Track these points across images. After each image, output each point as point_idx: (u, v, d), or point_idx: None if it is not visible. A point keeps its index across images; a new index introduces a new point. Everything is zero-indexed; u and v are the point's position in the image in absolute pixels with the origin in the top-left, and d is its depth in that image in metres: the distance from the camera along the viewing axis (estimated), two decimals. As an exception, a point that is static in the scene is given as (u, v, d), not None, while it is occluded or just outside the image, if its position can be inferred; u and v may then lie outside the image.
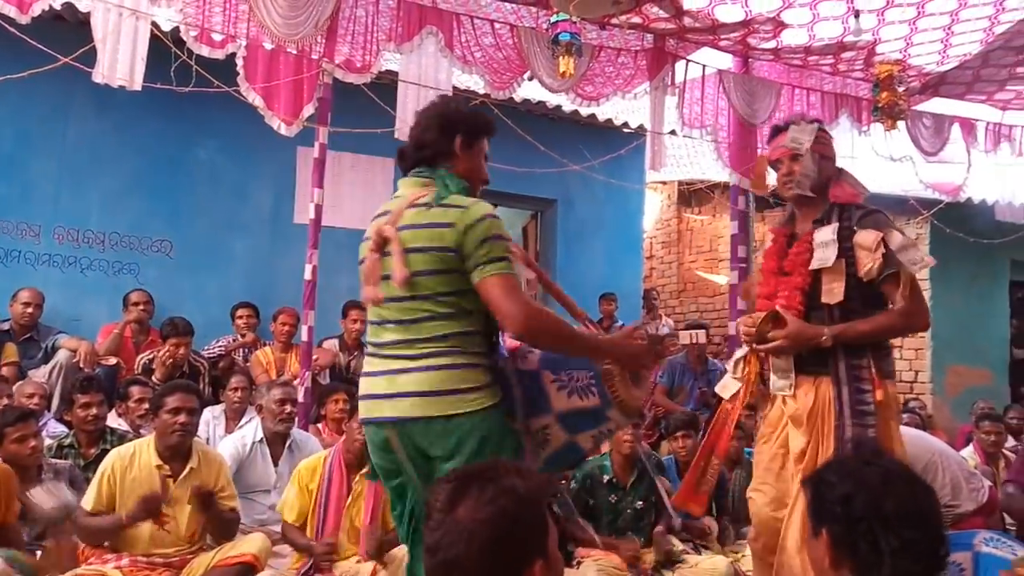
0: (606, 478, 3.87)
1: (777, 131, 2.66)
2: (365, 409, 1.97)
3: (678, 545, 3.88)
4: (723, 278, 7.91)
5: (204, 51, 4.20)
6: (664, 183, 9.17)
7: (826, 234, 2.44)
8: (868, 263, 2.36)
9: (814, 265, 2.45)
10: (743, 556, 3.91)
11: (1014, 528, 3.74)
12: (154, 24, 4.20)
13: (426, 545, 1.26)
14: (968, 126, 6.26)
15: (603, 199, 7.18)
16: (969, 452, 5.05)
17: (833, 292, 2.42)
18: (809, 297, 2.47)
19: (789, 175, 2.54)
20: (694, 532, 4.02)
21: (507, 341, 2.04)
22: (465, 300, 1.88)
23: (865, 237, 2.38)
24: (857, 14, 4.62)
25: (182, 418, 3.05)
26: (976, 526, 3.51)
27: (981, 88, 5.89)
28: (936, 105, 6.11)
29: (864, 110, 5.73)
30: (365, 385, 1.98)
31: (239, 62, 4.26)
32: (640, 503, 3.91)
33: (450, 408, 1.84)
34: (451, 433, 1.83)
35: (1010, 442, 5.24)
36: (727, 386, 2.73)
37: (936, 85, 5.77)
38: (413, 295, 1.87)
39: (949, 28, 4.92)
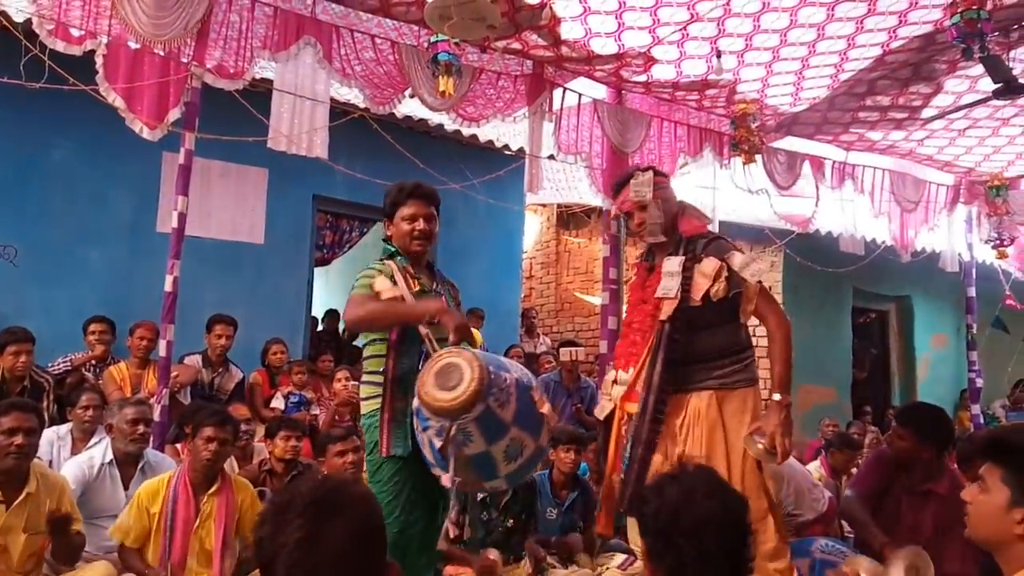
0: (479, 496, 3.89)
1: (619, 187, 2.94)
2: None
3: (546, 558, 3.95)
4: (598, 299, 8.17)
5: (60, 46, 3.94)
6: (544, 206, 9.40)
7: (673, 265, 2.74)
8: (714, 288, 2.66)
9: (659, 294, 2.74)
10: (607, 569, 4.03)
11: (852, 536, 4.05)
12: (2, 14, 3.91)
13: None
14: (817, 163, 6.79)
15: (484, 219, 7.27)
16: (815, 466, 5.45)
17: (665, 311, 2.71)
18: (654, 319, 2.76)
19: (641, 224, 2.84)
20: (563, 549, 4.09)
21: None
22: (373, 335, 2.62)
23: (706, 265, 2.69)
24: (719, 54, 4.94)
25: (18, 440, 2.82)
26: (816, 533, 3.78)
27: (828, 129, 6.44)
28: (789, 143, 6.60)
29: (725, 144, 6.11)
30: None
31: (98, 60, 4.02)
32: (511, 521, 3.96)
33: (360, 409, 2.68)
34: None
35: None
36: (603, 408, 2.95)
37: (789, 124, 6.25)
38: None
39: (800, 73, 5.35)
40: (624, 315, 3.08)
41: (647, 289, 2.84)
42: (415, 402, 2.32)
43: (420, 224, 2.62)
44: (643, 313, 2.81)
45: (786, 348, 2.67)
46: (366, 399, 2.61)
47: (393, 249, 2.67)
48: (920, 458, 3.25)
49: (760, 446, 2.54)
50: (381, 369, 2.57)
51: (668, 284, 2.71)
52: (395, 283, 2.54)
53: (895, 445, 3.35)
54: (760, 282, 2.70)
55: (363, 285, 2.56)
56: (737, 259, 2.67)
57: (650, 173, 2.85)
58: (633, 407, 2.74)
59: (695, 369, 2.71)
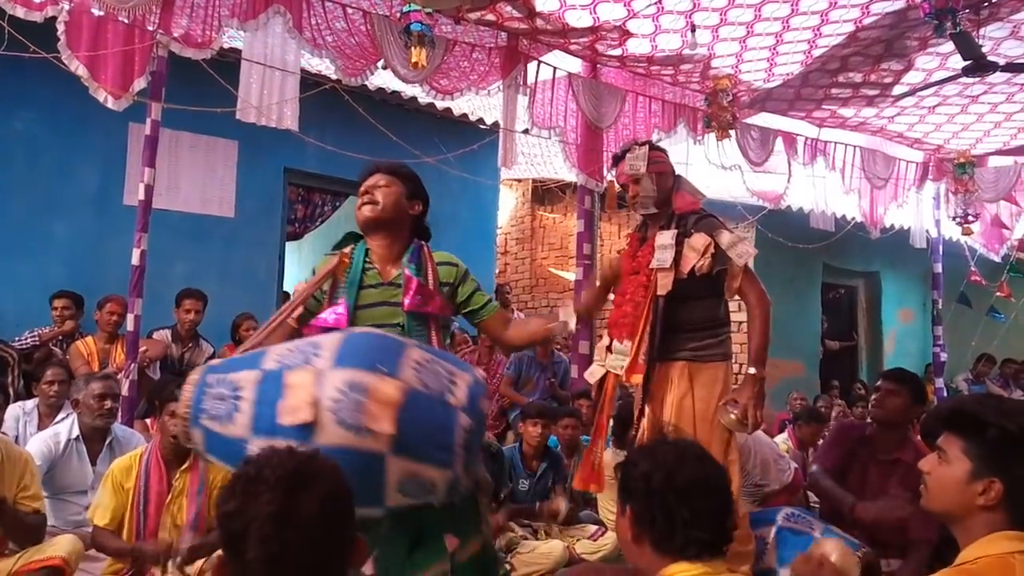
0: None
1: (618, 159, 3.03)
2: None
3: (517, 531, 3.99)
4: (572, 274, 8.19)
5: (20, 12, 3.81)
6: (519, 181, 9.36)
7: (666, 238, 2.82)
8: (699, 262, 2.74)
9: (653, 265, 2.82)
10: (578, 540, 4.09)
11: (817, 506, 4.14)
12: (-42, -23, 3.77)
13: (264, 555, 1.12)
14: (790, 140, 6.83)
15: (458, 194, 7.21)
16: (783, 438, 5.55)
17: (665, 285, 2.79)
18: (647, 290, 2.83)
19: (634, 197, 2.94)
20: (545, 513, 4.14)
21: None
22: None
23: (696, 240, 2.77)
24: (694, 28, 4.93)
25: None
26: (781, 503, 3.85)
27: (801, 106, 6.47)
28: (763, 119, 6.62)
29: (699, 120, 6.11)
30: None
31: (60, 27, 3.91)
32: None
33: None
34: None
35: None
36: (593, 372, 3.04)
37: (763, 100, 6.27)
38: None
39: (774, 48, 5.35)
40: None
41: (638, 259, 2.93)
42: None
43: (364, 193, 2.31)
44: (635, 284, 2.88)
45: (764, 324, 2.78)
46: None
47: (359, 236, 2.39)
48: (906, 419, 3.34)
49: (733, 416, 2.65)
50: None
51: (662, 256, 2.80)
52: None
53: (886, 402, 3.36)
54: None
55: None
56: (725, 237, 2.76)
57: (646, 147, 2.95)
58: (638, 378, 2.82)
59: (672, 339, 2.82)
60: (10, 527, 2.81)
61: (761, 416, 2.70)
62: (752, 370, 2.71)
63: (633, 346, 2.82)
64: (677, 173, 3.04)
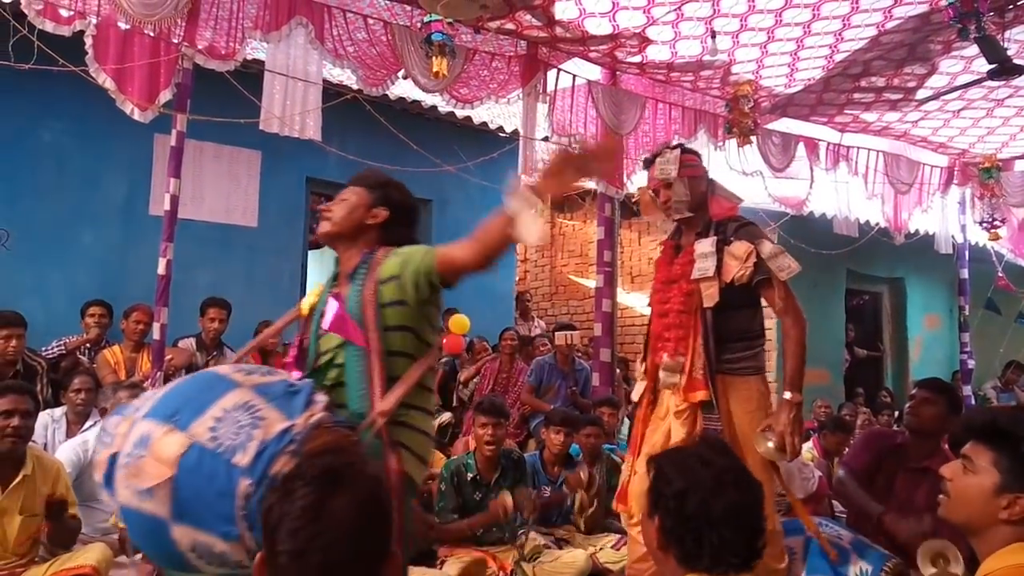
0: (470, 475, 3.90)
1: (648, 163, 2.93)
2: None
3: (539, 540, 3.98)
4: (593, 282, 8.16)
5: (48, 27, 3.89)
6: (538, 188, 9.35)
7: (705, 246, 2.73)
8: (739, 271, 2.64)
9: (695, 275, 2.73)
10: (601, 549, 4.06)
11: (843, 515, 4.08)
12: (-11, -6, 3.86)
13: (292, 549, 1.13)
14: (812, 145, 6.77)
15: (478, 201, 7.22)
16: (807, 447, 5.47)
17: (711, 296, 2.70)
18: (692, 299, 2.75)
19: (666, 202, 2.83)
20: (570, 483, 4.15)
21: None
22: None
23: (737, 248, 2.67)
24: (714, 35, 4.92)
25: (14, 422, 2.83)
26: (808, 513, 3.81)
27: (823, 111, 6.42)
28: (784, 124, 6.58)
29: (720, 126, 6.08)
30: None
31: (88, 41, 3.98)
32: (502, 498, 3.98)
33: None
34: None
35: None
36: (638, 390, 2.97)
37: (784, 106, 6.23)
38: None
39: (795, 54, 5.32)
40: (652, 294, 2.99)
41: (675, 267, 2.84)
42: None
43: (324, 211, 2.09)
44: (677, 293, 2.79)
45: (800, 347, 2.65)
46: None
47: None
48: (940, 428, 3.28)
49: (770, 444, 2.56)
50: None
51: (703, 265, 2.70)
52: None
53: (921, 411, 3.30)
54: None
55: None
56: (767, 248, 2.66)
57: (677, 151, 2.86)
58: (702, 395, 2.69)
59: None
60: (57, 530, 2.87)
61: (799, 443, 2.59)
62: (787, 395, 2.59)
63: (687, 361, 2.72)
64: (711, 177, 2.96)
